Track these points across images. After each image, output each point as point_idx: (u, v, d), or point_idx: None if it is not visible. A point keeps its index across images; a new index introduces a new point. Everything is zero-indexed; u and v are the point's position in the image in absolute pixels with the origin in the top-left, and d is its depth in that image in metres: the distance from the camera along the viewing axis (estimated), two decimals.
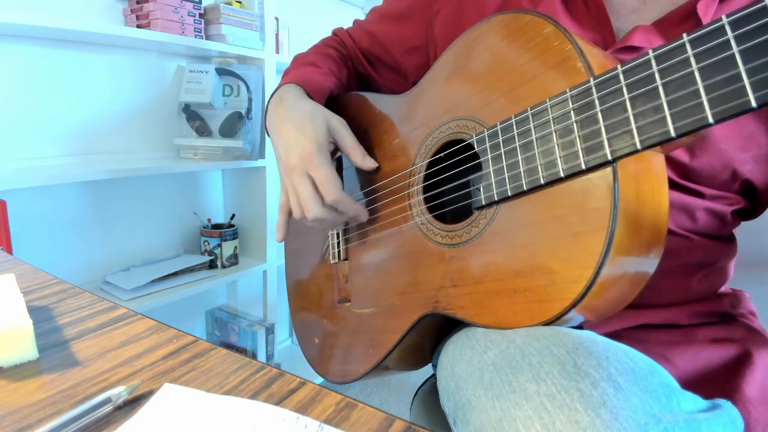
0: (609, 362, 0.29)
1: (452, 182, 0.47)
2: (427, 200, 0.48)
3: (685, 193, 0.45)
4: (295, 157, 0.50)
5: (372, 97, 0.60)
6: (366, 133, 0.59)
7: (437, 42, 0.58)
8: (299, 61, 0.65)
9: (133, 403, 0.30)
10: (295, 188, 0.51)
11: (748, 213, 0.49)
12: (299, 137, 0.51)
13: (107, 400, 0.29)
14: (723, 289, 0.53)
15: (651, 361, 0.31)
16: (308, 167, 0.50)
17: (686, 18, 0.42)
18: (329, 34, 0.72)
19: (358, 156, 0.54)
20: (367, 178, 0.58)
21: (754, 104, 0.25)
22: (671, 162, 0.43)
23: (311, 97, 0.58)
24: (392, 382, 1.73)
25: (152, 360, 0.35)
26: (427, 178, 0.49)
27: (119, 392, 0.29)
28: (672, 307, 0.49)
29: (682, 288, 0.49)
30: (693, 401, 0.29)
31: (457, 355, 0.38)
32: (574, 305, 0.33)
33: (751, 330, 0.49)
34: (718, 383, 0.43)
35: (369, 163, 0.55)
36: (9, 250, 0.87)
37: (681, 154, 0.43)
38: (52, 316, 0.41)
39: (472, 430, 0.32)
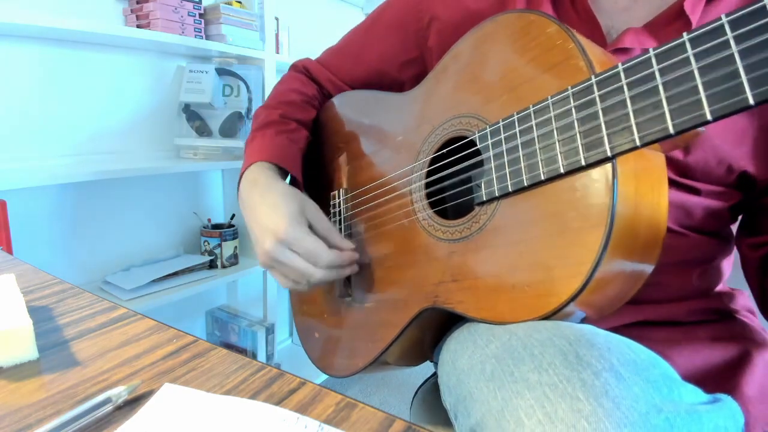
0: (611, 353, 0.29)
1: (454, 178, 0.48)
2: (429, 196, 0.48)
3: (682, 189, 0.45)
4: (274, 239, 0.50)
5: (376, 95, 0.60)
6: (370, 130, 0.59)
7: (433, 52, 0.58)
8: (260, 120, 0.64)
9: (133, 403, 0.30)
10: (285, 264, 0.50)
11: (744, 208, 0.49)
12: (274, 218, 0.50)
13: (107, 400, 0.29)
14: (721, 287, 0.53)
15: (652, 353, 0.31)
16: (289, 244, 0.50)
17: (675, 18, 0.43)
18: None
19: (336, 238, 0.54)
20: (370, 174, 0.58)
21: (751, 101, 0.25)
22: (666, 160, 0.43)
23: (285, 171, 0.58)
24: (392, 382, 1.73)
25: (152, 360, 0.35)
26: (429, 174, 0.49)
27: (119, 392, 0.29)
28: (671, 303, 0.49)
29: (681, 284, 0.49)
30: (694, 393, 0.30)
31: (459, 350, 0.38)
32: (571, 300, 0.33)
33: (750, 329, 0.49)
34: (717, 381, 0.44)
35: (346, 245, 0.54)
36: (9, 250, 0.87)
37: (675, 152, 0.44)
38: (52, 316, 0.41)
39: (474, 422, 0.32)
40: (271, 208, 0.51)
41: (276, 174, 0.57)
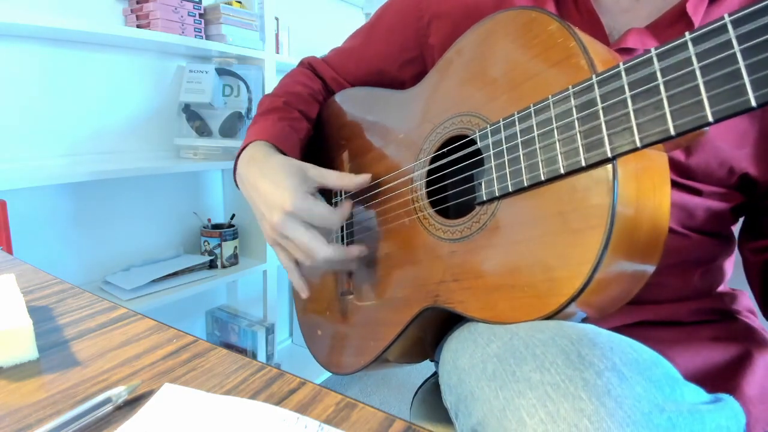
0: (613, 353, 0.29)
1: (455, 178, 0.47)
2: (430, 195, 0.48)
3: (683, 190, 0.45)
4: (279, 211, 0.49)
5: (377, 92, 0.60)
6: (371, 127, 0.59)
7: (434, 51, 0.58)
8: (265, 107, 0.64)
9: (133, 403, 0.30)
10: (292, 239, 0.50)
11: (746, 209, 0.49)
12: (278, 191, 0.50)
13: (107, 400, 0.29)
14: (722, 288, 0.53)
15: (654, 353, 0.31)
16: (298, 215, 0.49)
17: (678, 19, 0.43)
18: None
19: (349, 181, 0.53)
20: (371, 172, 0.57)
21: (753, 103, 0.25)
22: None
23: (282, 152, 0.58)
24: (392, 382, 1.73)
25: (152, 360, 0.35)
26: (430, 173, 0.49)
27: (119, 392, 0.29)
28: (672, 303, 0.49)
29: (682, 285, 0.49)
30: (696, 393, 0.30)
31: (460, 349, 0.38)
32: (571, 301, 0.33)
33: (751, 329, 0.49)
34: (718, 382, 0.43)
35: (363, 178, 0.54)
36: (9, 250, 0.87)
37: (677, 153, 0.44)
38: (52, 316, 0.41)
39: (475, 421, 0.32)
40: (274, 182, 0.51)
41: (275, 150, 0.57)
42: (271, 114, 0.61)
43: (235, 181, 0.59)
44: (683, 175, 0.45)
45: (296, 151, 0.60)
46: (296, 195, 0.49)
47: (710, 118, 0.27)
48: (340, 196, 0.62)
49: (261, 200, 0.52)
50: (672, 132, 0.29)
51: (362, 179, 0.54)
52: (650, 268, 0.37)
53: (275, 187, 0.50)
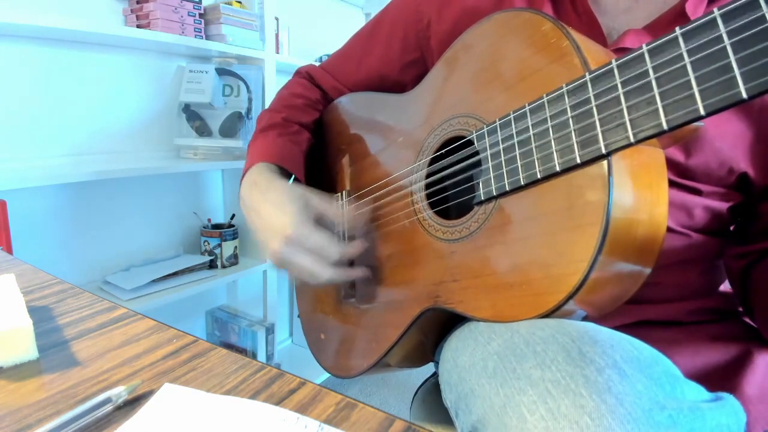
0: (614, 350, 0.29)
1: (454, 179, 0.48)
2: (429, 197, 0.49)
3: (683, 190, 0.45)
4: (281, 238, 0.49)
5: (376, 96, 0.60)
6: (371, 131, 0.59)
7: (434, 53, 0.58)
8: (264, 122, 0.64)
9: (133, 403, 0.30)
10: (296, 264, 0.50)
11: (744, 208, 0.49)
12: (280, 216, 0.50)
13: (107, 400, 0.29)
14: (722, 287, 0.53)
15: (655, 351, 0.31)
16: (299, 242, 0.49)
17: (676, 19, 0.43)
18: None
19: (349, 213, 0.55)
20: (372, 176, 0.58)
21: (744, 95, 0.25)
22: (667, 162, 0.44)
23: (286, 171, 0.58)
24: (392, 382, 1.73)
25: (152, 360, 0.35)
26: (430, 175, 0.49)
27: (119, 392, 0.29)
28: (672, 303, 0.49)
29: (682, 284, 0.49)
30: (697, 391, 0.30)
31: (461, 347, 0.39)
32: (569, 298, 0.33)
33: (751, 329, 0.49)
34: (717, 381, 0.43)
35: (363, 212, 0.55)
36: (9, 250, 0.87)
37: (676, 154, 0.44)
38: (52, 316, 0.41)
39: (475, 418, 0.32)
40: (276, 207, 0.51)
41: (277, 174, 0.57)
42: (271, 131, 0.62)
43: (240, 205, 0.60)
44: (683, 176, 0.45)
45: (299, 166, 0.61)
46: (296, 220, 0.49)
47: (702, 112, 0.27)
48: (341, 210, 0.62)
49: (263, 225, 0.52)
50: (665, 126, 0.29)
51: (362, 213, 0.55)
52: (648, 266, 0.37)
53: (277, 212, 0.51)
